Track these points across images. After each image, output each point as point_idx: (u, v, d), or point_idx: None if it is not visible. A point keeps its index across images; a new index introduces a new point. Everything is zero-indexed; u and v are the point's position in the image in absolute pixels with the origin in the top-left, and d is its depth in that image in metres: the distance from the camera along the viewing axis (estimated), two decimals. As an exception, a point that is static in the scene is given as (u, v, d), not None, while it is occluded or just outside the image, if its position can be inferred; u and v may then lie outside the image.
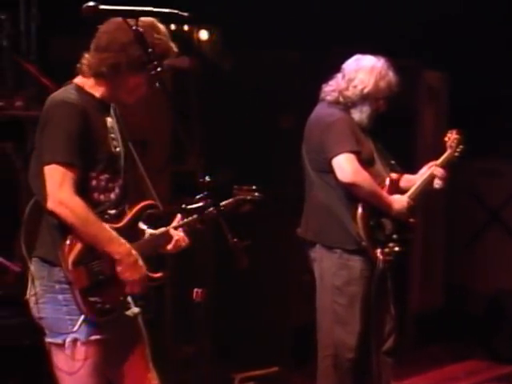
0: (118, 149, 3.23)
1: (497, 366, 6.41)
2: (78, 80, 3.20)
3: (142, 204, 3.25)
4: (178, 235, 3.30)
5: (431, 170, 4.53)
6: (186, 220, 3.29)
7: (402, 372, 5.50)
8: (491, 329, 6.83)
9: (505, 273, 7.13)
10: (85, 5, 2.97)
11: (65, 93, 3.14)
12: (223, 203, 3.31)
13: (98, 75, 3.17)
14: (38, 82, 4.77)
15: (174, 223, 3.31)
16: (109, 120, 3.23)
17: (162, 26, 3.17)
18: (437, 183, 4.53)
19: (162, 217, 3.29)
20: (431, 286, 7.21)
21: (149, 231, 3.26)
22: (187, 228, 3.31)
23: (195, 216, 3.26)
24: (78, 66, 3.21)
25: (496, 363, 6.47)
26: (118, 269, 3.10)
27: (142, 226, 3.27)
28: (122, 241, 3.12)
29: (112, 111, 3.26)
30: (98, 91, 3.19)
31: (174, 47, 3.21)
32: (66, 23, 4.26)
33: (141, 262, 3.15)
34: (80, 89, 3.16)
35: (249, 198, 3.36)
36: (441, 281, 7.34)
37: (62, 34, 5.17)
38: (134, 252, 3.13)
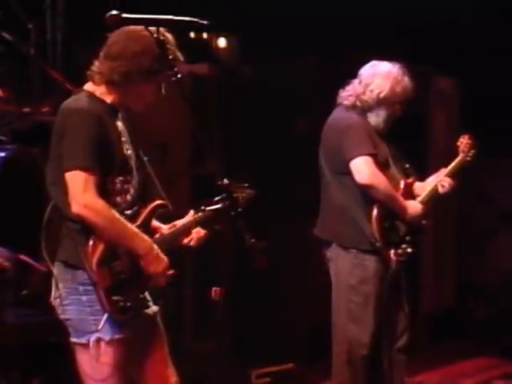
0: (129, 151, 3.29)
1: (506, 363, 6.43)
2: (89, 87, 3.26)
3: (154, 204, 3.32)
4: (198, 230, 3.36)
5: (439, 180, 4.59)
6: (201, 215, 3.36)
7: (414, 368, 5.53)
8: (501, 327, 6.87)
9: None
10: (108, 13, 3.05)
11: (78, 101, 3.19)
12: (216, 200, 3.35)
13: (109, 83, 3.22)
14: (63, 88, 4.82)
15: (189, 217, 3.36)
16: (119, 124, 3.28)
17: (169, 35, 3.22)
18: (442, 190, 4.59)
19: (173, 215, 3.36)
20: (443, 285, 7.22)
21: (164, 227, 3.35)
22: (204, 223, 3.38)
23: (209, 211, 3.34)
24: (88, 73, 3.26)
25: (505, 360, 6.49)
26: (143, 263, 3.19)
27: (156, 222, 3.36)
28: (145, 236, 3.21)
29: (120, 115, 3.31)
30: (108, 98, 3.25)
31: (180, 56, 3.26)
32: (90, 32, 4.34)
33: (162, 255, 3.23)
34: (91, 95, 3.22)
35: (243, 195, 3.36)
36: (452, 280, 7.35)
37: (87, 42, 5.24)
38: (155, 246, 3.22)
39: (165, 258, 3.25)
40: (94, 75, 3.25)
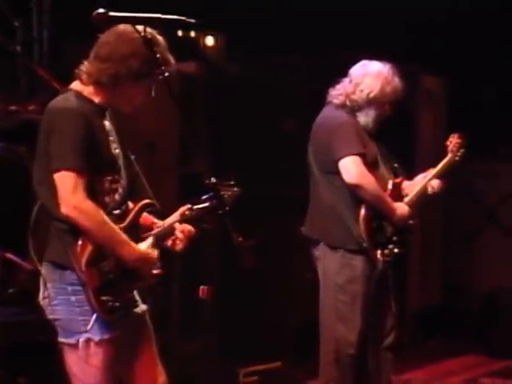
0: (117, 150, 3.27)
1: (492, 361, 6.50)
2: (77, 86, 3.24)
3: (142, 203, 3.30)
4: (183, 227, 3.33)
5: (427, 180, 4.59)
6: (188, 213, 3.33)
7: (401, 366, 5.57)
8: (487, 325, 6.91)
9: (500, 271, 7.22)
10: (95, 11, 3.05)
11: (66, 100, 3.18)
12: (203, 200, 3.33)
13: (97, 84, 3.21)
14: (50, 86, 4.81)
15: (178, 216, 3.34)
16: (106, 123, 3.26)
17: (160, 38, 3.20)
18: (430, 190, 4.60)
19: (160, 214, 3.34)
20: (429, 284, 7.27)
21: (156, 221, 3.33)
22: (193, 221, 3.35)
23: (197, 210, 3.32)
24: (77, 72, 3.24)
25: (491, 358, 6.55)
26: (130, 267, 3.19)
27: (148, 217, 3.34)
28: (132, 245, 3.19)
29: (107, 114, 3.29)
30: (96, 98, 3.23)
31: (171, 59, 3.25)
32: (77, 30, 4.34)
33: (150, 255, 3.22)
34: (80, 95, 3.20)
35: (229, 193, 3.34)
36: (439, 279, 7.39)
37: (74, 40, 5.24)
38: (140, 253, 3.21)
39: (151, 257, 3.24)
40: (81, 75, 3.24)
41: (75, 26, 4.58)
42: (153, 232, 3.33)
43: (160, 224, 3.35)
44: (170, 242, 3.36)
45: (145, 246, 3.27)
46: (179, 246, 3.34)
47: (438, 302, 7.39)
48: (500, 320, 6.82)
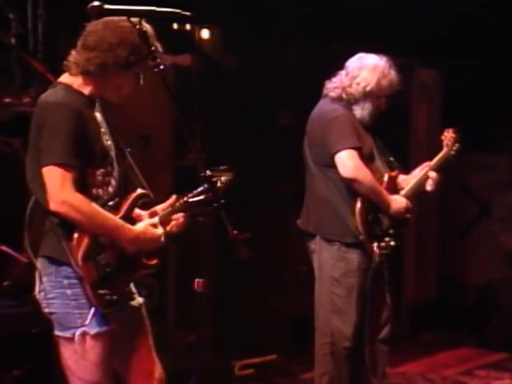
0: (108, 142, 3.25)
1: (487, 354, 6.52)
2: (66, 79, 3.23)
3: (136, 194, 3.29)
4: (176, 216, 3.31)
5: (425, 171, 4.58)
6: (182, 203, 3.31)
7: (397, 359, 5.62)
8: (482, 318, 6.92)
9: (495, 264, 7.27)
10: (90, 4, 3.03)
11: (56, 94, 3.17)
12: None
13: (85, 73, 3.20)
14: (45, 79, 4.80)
15: (169, 204, 3.32)
16: (97, 115, 3.25)
17: (148, 26, 3.16)
18: (429, 185, 4.59)
19: (155, 205, 3.33)
20: (425, 277, 7.29)
21: (144, 214, 3.30)
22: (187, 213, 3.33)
23: (192, 202, 3.30)
24: (65, 63, 3.23)
25: (486, 351, 6.58)
26: (131, 250, 3.19)
27: (137, 210, 3.31)
28: (127, 226, 3.18)
29: (97, 105, 3.28)
30: (85, 89, 3.22)
31: (159, 47, 3.22)
32: (72, 22, 4.33)
33: (151, 233, 3.21)
34: (69, 88, 3.20)
35: (221, 179, 3.32)
36: (434, 272, 7.42)
37: (68, 32, 5.23)
38: (139, 231, 3.19)
39: (156, 233, 3.22)
40: (70, 65, 3.23)
41: (70, 19, 4.52)
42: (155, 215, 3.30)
43: (146, 215, 3.31)
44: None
45: (143, 224, 3.24)
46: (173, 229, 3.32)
47: (434, 294, 7.40)
48: (495, 313, 6.84)
